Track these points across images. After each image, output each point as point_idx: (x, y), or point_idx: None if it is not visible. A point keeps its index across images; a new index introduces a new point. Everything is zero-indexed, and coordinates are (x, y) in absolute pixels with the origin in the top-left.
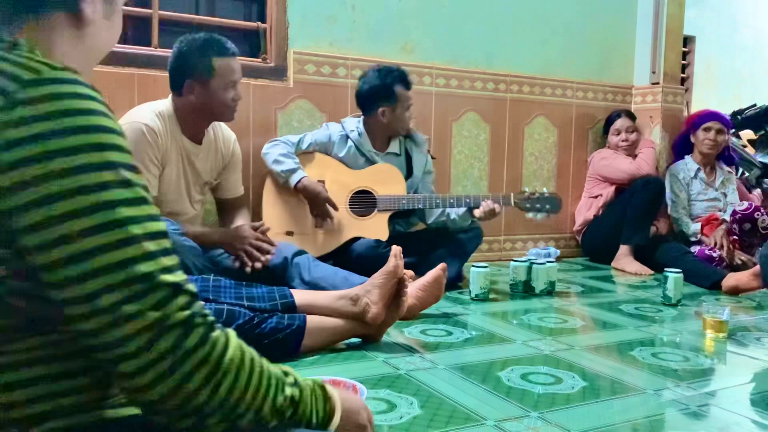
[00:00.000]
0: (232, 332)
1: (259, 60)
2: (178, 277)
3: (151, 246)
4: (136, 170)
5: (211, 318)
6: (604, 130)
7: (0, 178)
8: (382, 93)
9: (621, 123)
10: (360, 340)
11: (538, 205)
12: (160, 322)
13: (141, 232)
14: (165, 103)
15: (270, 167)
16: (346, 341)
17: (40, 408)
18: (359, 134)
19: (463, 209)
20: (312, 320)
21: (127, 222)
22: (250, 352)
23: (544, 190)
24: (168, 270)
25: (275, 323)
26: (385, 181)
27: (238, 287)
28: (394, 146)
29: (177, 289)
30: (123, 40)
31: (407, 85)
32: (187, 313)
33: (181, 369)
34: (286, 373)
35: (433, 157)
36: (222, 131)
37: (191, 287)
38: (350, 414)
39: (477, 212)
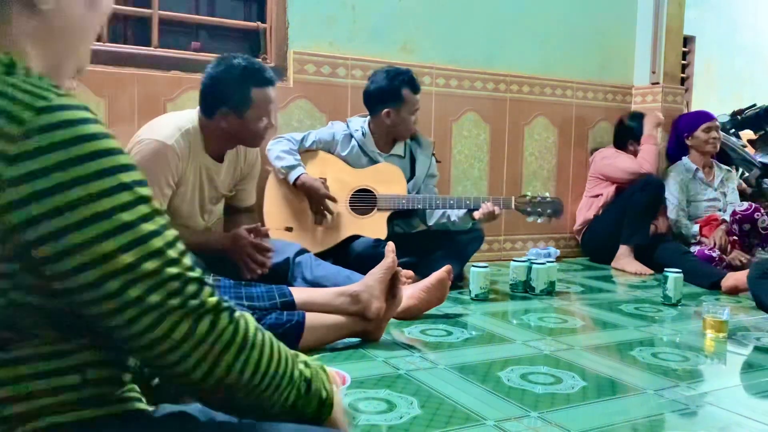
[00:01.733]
0: (248, 314)
1: (259, 60)
2: (197, 272)
3: (173, 252)
4: (146, 183)
5: (232, 306)
6: (621, 136)
7: (19, 212)
8: (388, 94)
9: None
10: (359, 339)
11: (539, 210)
12: (197, 309)
13: (163, 242)
14: (192, 119)
15: (272, 163)
16: (346, 341)
17: (43, 402)
18: (363, 134)
19: (463, 211)
20: (311, 316)
21: (150, 236)
22: (267, 333)
23: (547, 194)
24: (191, 268)
25: (274, 319)
26: (386, 180)
27: (238, 287)
28: (399, 149)
29: (203, 281)
30: (123, 40)
31: (415, 89)
32: (215, 299)
33: (217, 349)
34: (296, 354)
35: (438, 161)
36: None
37: (210, 281)
38: (338, 404)
39: (476, 214)
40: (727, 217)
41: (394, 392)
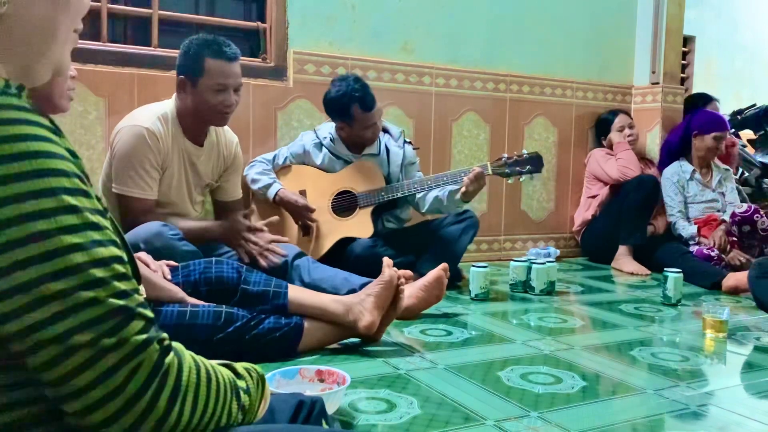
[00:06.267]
0: (182, 349)
1: (259, 60)
2: (133, 301)
3: (99, 272)
4: (85, 194)
5: (166, 342)
6: (599, 131)
7: None
8: (338, 109)
9: (622, 119)
10: (359, 339)
11: (518, 168)
12: (114, 350)
13: (87, 259)
14: (168, 105)
15: (250, 188)
16: (346, 341)
17: None
18: (332, 140)
19: (446, 192)
20: (309, 320)
21: (69, 250)
22: (204, 365)
23: (524, 151)
24: (121, 295)
25: (273, 322)
26: (363, 177)
27: (240, 267)
28: (372, 147)
29: (130, 313)
30: (123, 40)
31: (366, 107)
32: (142, 338)
33: (140, 400)
34: (238, 374)
35: (415, 148)
36: (224, 134)
37: (147, 312)
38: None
39: (462, 189)
40: (727, 218)
41: (394, 392)
